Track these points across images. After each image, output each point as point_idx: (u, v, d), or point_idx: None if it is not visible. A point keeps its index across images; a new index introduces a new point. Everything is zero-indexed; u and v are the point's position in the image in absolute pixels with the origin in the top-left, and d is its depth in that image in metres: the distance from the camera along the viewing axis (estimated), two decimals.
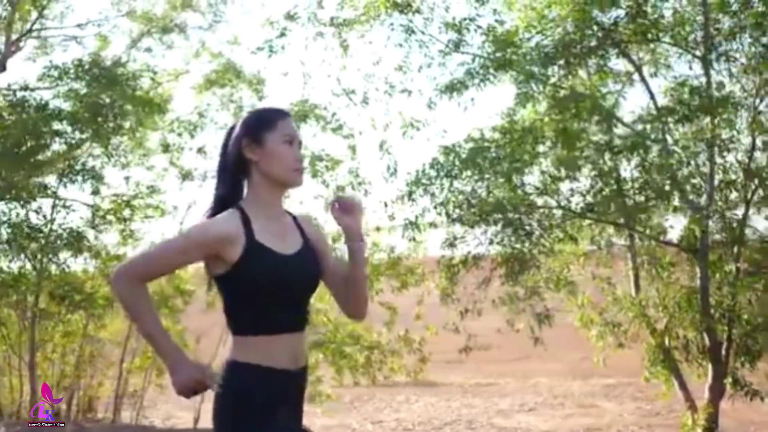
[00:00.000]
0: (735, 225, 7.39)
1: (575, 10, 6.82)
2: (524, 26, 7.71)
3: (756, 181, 7.88)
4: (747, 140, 7.79)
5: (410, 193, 7.22)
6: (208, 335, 9.69)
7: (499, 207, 6.41)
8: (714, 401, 7.58)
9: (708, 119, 6.98)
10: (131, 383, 9.99)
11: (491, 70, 7.47)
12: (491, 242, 6.69)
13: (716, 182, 7.67)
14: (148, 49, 8.26)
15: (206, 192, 9.20)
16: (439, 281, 7.51)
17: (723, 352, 7.61)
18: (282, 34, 9.12)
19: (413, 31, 8.24)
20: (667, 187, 7.01)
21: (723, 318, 7.46)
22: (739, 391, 7.39)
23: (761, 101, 7.81)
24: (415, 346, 8.69)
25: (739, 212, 7.88)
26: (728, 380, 7.54)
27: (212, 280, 2.30)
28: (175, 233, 1.83)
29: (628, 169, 7.11)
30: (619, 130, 7.44)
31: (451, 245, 7.25)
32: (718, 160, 7.77)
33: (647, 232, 7.58)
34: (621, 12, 6.95)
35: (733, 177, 7.82)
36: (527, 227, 6.75)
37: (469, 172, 7.01)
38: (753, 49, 7.41)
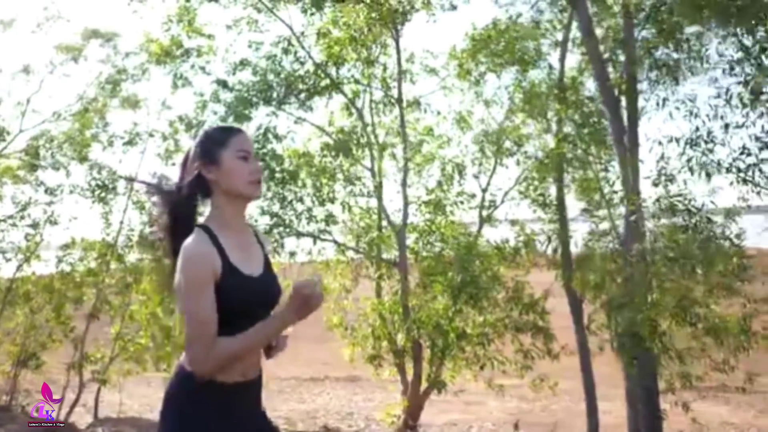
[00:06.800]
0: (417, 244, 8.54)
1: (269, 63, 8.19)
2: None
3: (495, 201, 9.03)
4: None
5: None
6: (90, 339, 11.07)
7: None
8: (413, 395, 8.66)
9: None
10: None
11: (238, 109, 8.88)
12: None
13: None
14: None
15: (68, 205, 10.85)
16: None
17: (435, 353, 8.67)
18: (119, 72, 10.87)
19: (204, 71, 9.72)
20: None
21: (422, 324, 8.54)
22: (433, 386, 8.47)
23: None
24: None
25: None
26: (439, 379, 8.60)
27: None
28: (179, 283, 2.21)
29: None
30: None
31: None
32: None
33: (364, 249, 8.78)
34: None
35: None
36: None
37: None
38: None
